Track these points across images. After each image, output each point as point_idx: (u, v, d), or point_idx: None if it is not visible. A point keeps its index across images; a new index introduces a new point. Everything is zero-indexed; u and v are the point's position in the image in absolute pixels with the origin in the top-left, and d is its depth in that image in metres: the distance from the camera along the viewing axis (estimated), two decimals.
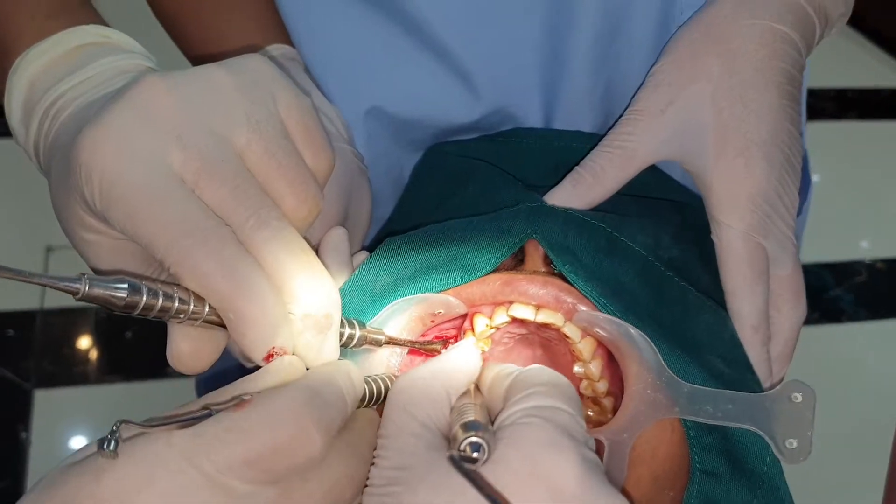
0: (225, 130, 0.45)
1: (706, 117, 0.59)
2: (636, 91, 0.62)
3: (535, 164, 0.69)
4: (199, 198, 0.43)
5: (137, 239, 0.43)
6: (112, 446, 0.36)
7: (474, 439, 0.36)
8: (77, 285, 0.39)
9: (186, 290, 0.42)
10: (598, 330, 0.52)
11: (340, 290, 0.54)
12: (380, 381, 0.49)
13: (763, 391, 0.55)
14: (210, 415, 0.38)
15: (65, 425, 1.89)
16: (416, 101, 0.70)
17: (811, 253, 2.43)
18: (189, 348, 0.44)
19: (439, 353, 0.56)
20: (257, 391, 0.40)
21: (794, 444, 0.49)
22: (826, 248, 2.47)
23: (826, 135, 2.77)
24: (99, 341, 2.03)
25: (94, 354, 2.01)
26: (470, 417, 0.39)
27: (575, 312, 0.52)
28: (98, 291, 0.39)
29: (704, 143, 0.59)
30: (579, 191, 0.60)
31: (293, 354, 0.45)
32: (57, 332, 2.02)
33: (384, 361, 0.53)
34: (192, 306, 0.42)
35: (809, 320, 2.07)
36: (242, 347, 0.43)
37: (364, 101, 0.70)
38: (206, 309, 0.43)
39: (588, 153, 0.65)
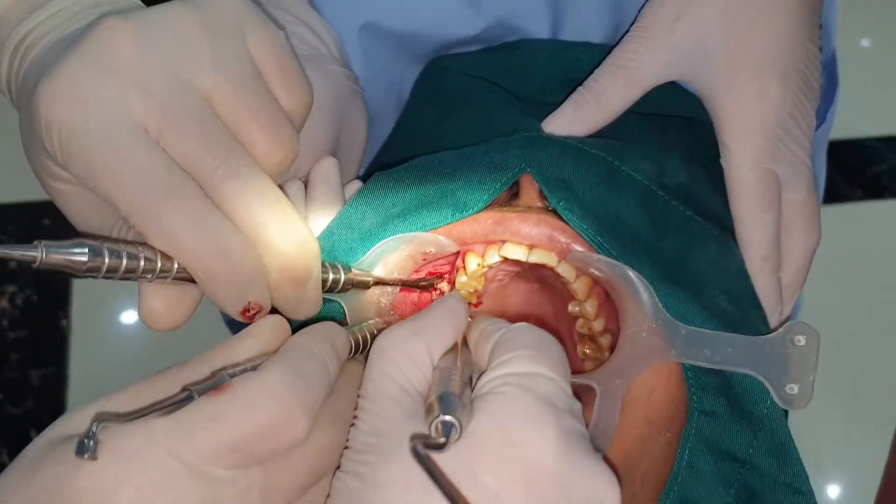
0: (190, 74, 0.42)
1: (717, 35, 0.55)
2: (644, 4, 0.58)
3: (541, 78, 0.66)
4: (164, 149, 0.41)
5: (99, 195, 0.41)
6: (91, 450, 0.35)
7: (447, 418, 0.35)
8: (34, 253, 0.37)
9: (152, 247, 0.41)
10: (592, 270, 0.50)
11: (328, 228, 0.52)
12: (365, 329, 0.47)
13: (769, 328, 0.54)
14: (191, 398, 0.37)
15: (103, 311, 1.93)
16: (412, 14, 0.66)
17: (865, 126, 2.33)
18: (161, 306, 0.43)
19: (432, 288, 0.55)
20: (239, 362, 0.39)
21: (795, 390, 0.47)
22: (881, 120, 2.36)
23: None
24: None
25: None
26: (447, 388, 0.38)
27: (569, 252, 0.50)
28: (57, 258, 0.38)
29: (714, 64, 0.55)
30: (582, 114, 0.57)
31: (272, 310, 0.44)
32: None
33: (374, 301, 0.52)
34: (159, 264, 0.41)
35: (855, 197, 2.00)
36: (216, 304, 0.42)
37: (358, 15, 0.66)
38: (175, 266, 0.41)
39: (597, 66, 0.61)
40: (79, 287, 1.93)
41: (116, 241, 0.40)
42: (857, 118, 2.31)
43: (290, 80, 0.46)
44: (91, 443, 0.34)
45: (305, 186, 0.55)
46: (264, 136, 0.44)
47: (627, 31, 0.58)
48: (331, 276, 0.48)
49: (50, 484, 0.35)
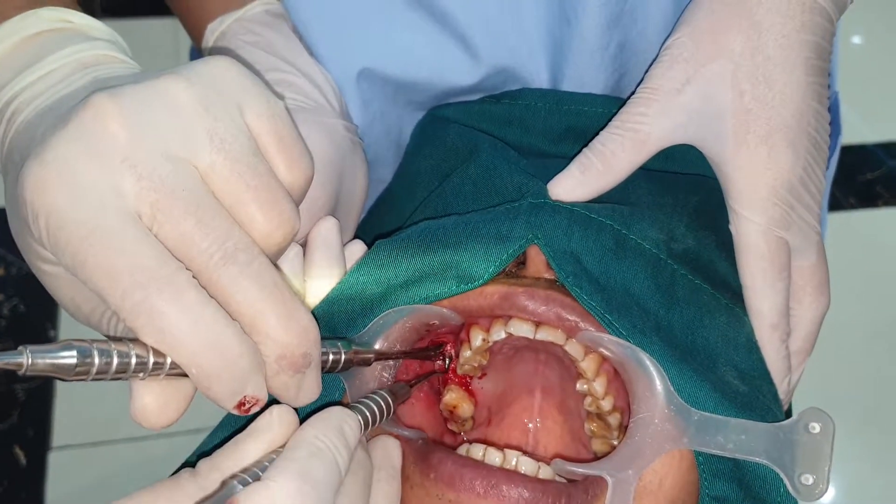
0: (185, 153, 0.40)
1: (726, 100, 0.53)
2: (650, 65, 0.56)
3: (543, 129, 0.64)
4: (157, 234, 0.39)
5: (89, 287, 0.39)
6: None
7: None
8: (19, 359, 0.35)
9: (143, 343, 0.39)
10: (603, 350, 0.48)
11: (327, 297, 0.50)
12: (372, 404, 0.46)
13: (780, 405, 0.52)
14: None
15: None
16: (410, 63, 0.65)
17: (858, 130, 2.31)
18: (153, 403, 0.41)
19: (434, 359, 0.53)
20: (250, 465, 0.38)
21: (810, 481, 0.46)
22: (875, 124, 2.33)
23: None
24: None
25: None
26: None
27: (578, 330, 0.49)
28: (43, 363, 0.36)
29: (724, 129, 0.53)
30: (588, 178, 0.55)
31: (273, 400, 0.42)
32: None
33: (376, 376, 0.50)
34: (151, 361, 0.39)
35: (849, 206, 1.96)
36: (209, 399, 0.40)
37: (356, 62, 0.64)
38: (168, 361, 0.39)
39: (599, 117, 0.59)
40: None
41: (105, 340, 0.39)
42: (847, 121, 2.29)
43: (290, 154, 0.44)
44: None
45: (304, 248, 0.53)
46: (264, 216, 0.42)
47: (634, 92, 0.56)
48: (331, 358, 0.46)
49: None
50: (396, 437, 0.48)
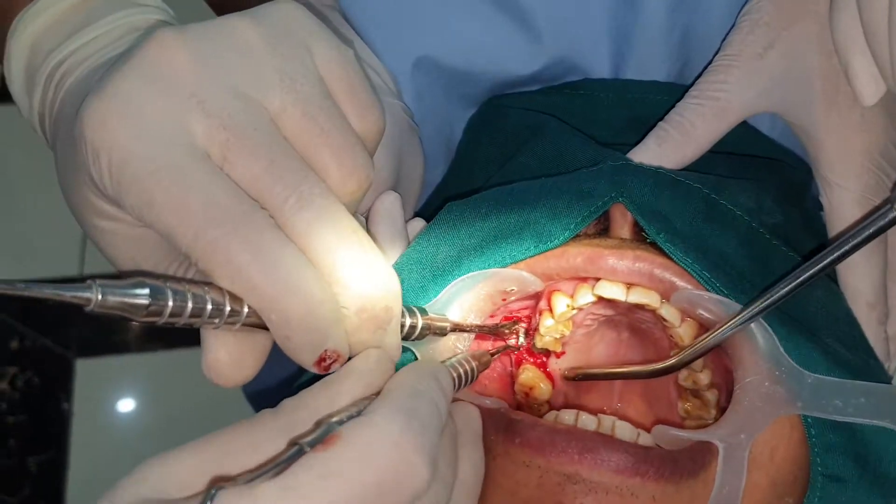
0: (255, 92, 0.37)
1: (813, 62, 0.50)
2: (728, 33, 0.53)
3: (606, 119, 0.61)
4: (228, 175, 0.36)
5: (157, 229, 0.36)
6: None
7: None
8: (88, 294, 0.32)
9: (219, 288, 0.35)
10: (701, 312, 0.44)
11: (396, 264, 0.47)
12: (458, 366, 0.42)
13: (889, 379, 0.48)
14: (302, 452, 0.32)
15: (107, 394, 1.85)
16: (469, 51, 0.61)
17: None
18: (228, 357, 0.37)
19: (509, 336, 0.49)
20: (342, 408, 0.35)
21: None
22: None
23: None
24: None
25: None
26: None
27: (673, 291, 0.44)
28: (114, 300, 0.32)
29: (811, 93, 0.50)
30: (666, 150, 0.51)
31: (349, 356, 0.38)
32: None
33: (450, 348, 0.46)
34: (227, 308, 0.35)
35: None
36: (288, 352, 0.36)
37: (411, 51, 0.61)
38: (245, 310, 0.36)
39: (665, 105, 0.56)
40: (82, 367, 1.86)
41: (180, 280, 0.35)
42: None
43: (361, 102, 0.41)
44: None
45: (366, 221, 0.50)
46: (337, 162, 0.39)
47: (711, 61, 0.53)
48: (408, 321, 0.42)
49: None
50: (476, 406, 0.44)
